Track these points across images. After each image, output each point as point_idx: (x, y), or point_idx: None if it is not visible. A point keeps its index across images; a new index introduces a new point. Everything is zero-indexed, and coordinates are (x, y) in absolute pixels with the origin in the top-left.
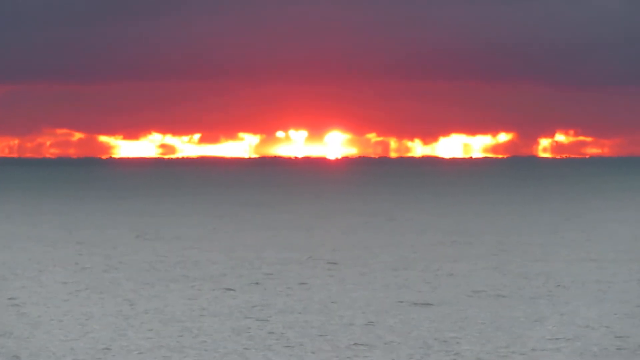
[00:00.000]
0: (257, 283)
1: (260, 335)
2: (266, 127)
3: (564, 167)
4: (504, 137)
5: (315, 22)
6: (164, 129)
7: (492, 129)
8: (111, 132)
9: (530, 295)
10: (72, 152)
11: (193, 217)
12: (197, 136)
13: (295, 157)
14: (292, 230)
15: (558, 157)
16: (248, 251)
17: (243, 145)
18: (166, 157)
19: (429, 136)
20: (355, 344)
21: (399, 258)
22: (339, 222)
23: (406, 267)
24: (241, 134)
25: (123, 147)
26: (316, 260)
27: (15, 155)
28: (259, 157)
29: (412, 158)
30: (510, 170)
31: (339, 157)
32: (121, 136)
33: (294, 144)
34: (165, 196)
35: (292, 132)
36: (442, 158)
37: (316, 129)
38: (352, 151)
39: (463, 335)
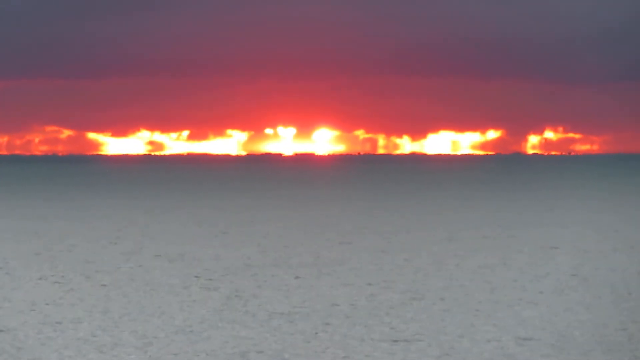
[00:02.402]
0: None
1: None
2: (254, 124)
3: (553, 163)
4: (492, 134)
5: (304, 20)
6: (153, 125)
7: (481, 126)
8: (100, 129)
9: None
10: (60, 149)
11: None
12: (185, 133)
13: (294, 154)
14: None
15: (554, 153)
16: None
17: (231, 142)
18: (154, 154)
19: (418, 133)
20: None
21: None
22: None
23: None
24: (229, 131)
25: (111, 144)
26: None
27: (4, 152)
28: (248, 154)
29: (401, 155)
30: (498, 167)
31: (327, 153)
32: (110, 133)
33: (283, 140)
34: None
35: (280, 129)
36: (434, 155)
37: (304, 126)
38: (340, 148)
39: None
